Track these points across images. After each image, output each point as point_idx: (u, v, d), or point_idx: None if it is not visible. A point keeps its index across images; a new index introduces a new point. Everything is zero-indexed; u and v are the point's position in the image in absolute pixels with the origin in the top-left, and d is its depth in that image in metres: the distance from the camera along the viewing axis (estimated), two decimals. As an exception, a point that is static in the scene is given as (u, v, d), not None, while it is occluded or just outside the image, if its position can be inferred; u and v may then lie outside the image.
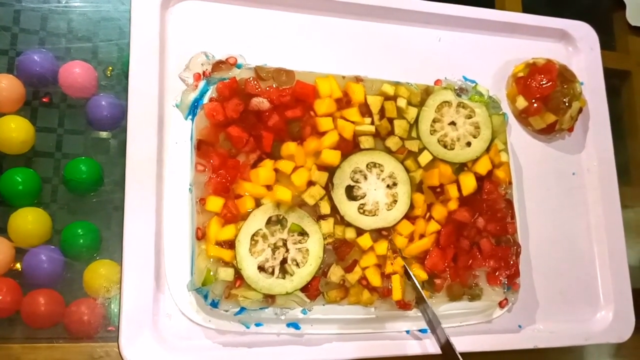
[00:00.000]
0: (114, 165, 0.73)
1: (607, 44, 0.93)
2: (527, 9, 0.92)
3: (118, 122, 0.74)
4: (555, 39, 0.89)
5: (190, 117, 0.68)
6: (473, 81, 0.78)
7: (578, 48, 0.89)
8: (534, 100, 0.80)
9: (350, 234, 0.66)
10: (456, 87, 0.75)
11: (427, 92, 0.73)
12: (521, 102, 0.81)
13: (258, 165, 0.65)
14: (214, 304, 0.61)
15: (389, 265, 0.66)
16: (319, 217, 0.65)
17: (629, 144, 0.97)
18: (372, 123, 0.69)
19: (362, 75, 0.71)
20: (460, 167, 0.72)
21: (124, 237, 0.63)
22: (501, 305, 0.72)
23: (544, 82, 0.80)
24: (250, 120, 0.65)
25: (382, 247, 0.66)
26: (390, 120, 0.70)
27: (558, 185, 0.83)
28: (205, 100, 0.66)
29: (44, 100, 0.74)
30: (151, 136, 0.66)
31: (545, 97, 0.80)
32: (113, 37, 0.77)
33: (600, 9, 1.04)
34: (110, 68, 0.76)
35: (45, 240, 0.69)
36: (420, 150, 0.70)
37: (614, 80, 0.95)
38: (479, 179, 0.71)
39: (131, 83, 0.67)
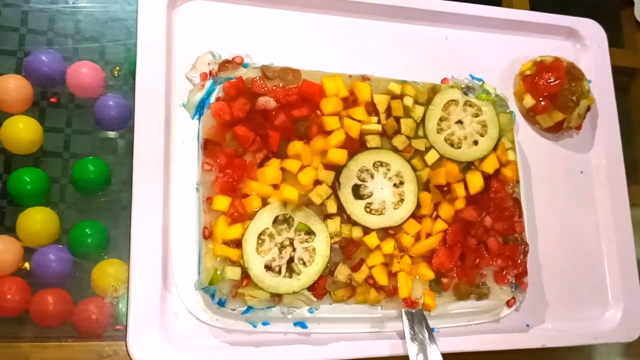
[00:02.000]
0: (121, 164, 0.73)
1: (615, 41, 0.92)
2: (535, 6, 0.92)
3: (125, 122, 0.75)
4: (563, 37, 0.88)
5: (197, 116, 0.68)
6: (480, 79, 0.77)
7: (586, 46, 0.88)
8: (541, 99, 0.80)
9: (357, 233, 0.65)
10: (463, 86, 0.75)
11: (433, 90, 0.73)
12: (529, 100, 0.81)
13: (265, 164, 0.65)
14: (221, 303, 0.61)
15: (396, 263, 0.66)
16: (326, 216, 0.65)
17: (637, 142, 0.96)
18: (379, 122, 0.69)
19: (368, 74, 0.70)
20: (467, 166, 0.71)
21: (132, 237, 0.63)
22: (509, 304, 0.72)
23: (551, 80, 0.80)
24: (257, 120, 0.65)
25: (388, 246, 0.66)
26: (397, 119, 0.70)
27: (566, 184, 0.82)
28: (212, 99, 0.66)
29: (51, 100, 0.74)
30: (158, 136, 0.66)
31: (553, 95, 0.79)
32: (120, 37, 0.77)
33: (608, 6, 1.03)
34: (118, 68, 0.77)
35: (54, 239, 0.69)
36: (427, 149, 0.70)
37: (623, 78, 0.94)
38: (486, 177, 0.71)
39: (138, 83, 0.67)
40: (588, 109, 0.82)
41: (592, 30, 0.89)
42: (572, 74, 0.81)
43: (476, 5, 0.83)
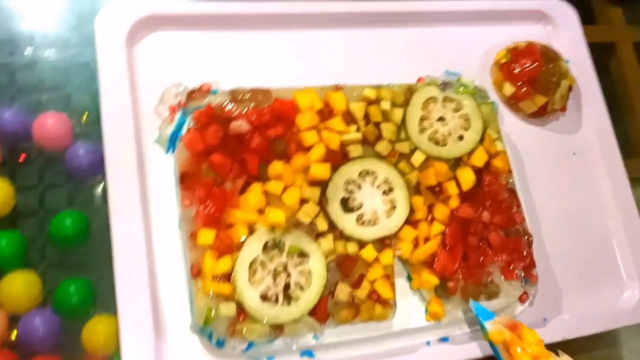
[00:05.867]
0: (100, 213, 0.70)
1: (587, 18, 0.91)
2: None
3: (99, 169, 0.71)
4: (533, 21, 0.87)
5: (170, 150, 0.65)
6: (456, 74, 0.76)
7: (558, 26, 0.87)
8: (520, 84, 0.78)
9: (352, 247, 0.62)
10: (440, 82, 0.73)
11: (410, 90, 0.71)
12: (508, 88, 0.79)
13: (246, 190, 0.62)
14: (220, 344, 0.57)
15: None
16: (317, 235, 0.62)
17: (625, 115, 0.95)
18: (358, 130, 0.66)
19: (341, 83, 0.68)
20: (456, 163, 0.69)
21: (117, 289, 0.59)
22: (522, 300, 0.68)
23: (528, 65, 0.78)
24: (232, 145, 0.63)
25: (387, 256, 0.63)
26: (377, 125, 0.67)
27: (560, 167, 0.80)
28: (184, 131, 0.64)
29: (20, 157, 0.71)
30: (132, 177, 0.63)
31: (532, 79, 0.78)
32: (84, 82, 0.75)
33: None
34: (86, 114, 0.74)
35: (38, 303, 0.66)
36: (412, 151, 0.68)
37: (601, 54, 0.92)
38: (477, 171, 0.69)
39: (105, 126, 0.65)
40: (570, 89, 0.80)
41: (561, 11, 0.87)
42: (548, 56, 0.79)
43: (441, 1, 0.81)
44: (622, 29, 0.99)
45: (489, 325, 0.62)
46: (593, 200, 0.79)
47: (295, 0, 0.76)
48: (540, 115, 0.80)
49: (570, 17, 0.87)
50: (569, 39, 0.86)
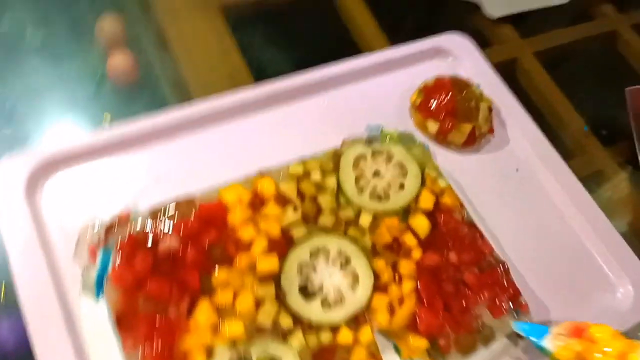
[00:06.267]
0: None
1: (482, 42, 0.92)
2: (394, 40, 0.92)
3: (26, 342, 0.63)
4: (434, 57, 0.88)
5: (100, 295, 0.58)
6: (378, 126, 0.74)
7: (457, 57, 0.88)
8: (442, 117, 0.77)
9: (325, 336, 0.56)
10: (364, 138, 0.71)
11: (337, 155, 0.68)
12: (432, 126, 0.77)
13: (193, 310, 0.55)
14: None
15: None
16: (285, 335, 0.55)
17: (549, 120, 0.95)
18: (296, 210, 0.62)
19: (265, 169, 0.65)
20: (406, 212, 0.65)
21: None
22: (519, 334, 0.63)
23: (443, 98, 0.77)
24: (166, 267, 0.57)
25: (366, 333, 0.57)
26: (313, 199, 0.63)
27: (508, 188, 0.77)
28: (110, 270, 0.57)
29: None
30: (63, 339, 0.55)
31: (451, 110, 0.77)
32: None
33: (457, 16, 1.06)
34: (2, 285, 0.66)
35: None
36: (358, 214, 0.64)
37: (507, 71, 0.93)
38: (430, 215, 0.65)
39: (20, 293, 0.57)
40: (490, 109, 0.80)
41: (456, 42, 0.89)
42: (458, 85, 0.80)
43: (338, 63, 0.81)
44: (518, 43, 1.02)
45: (549, 343, 0.52)
46: (551, 209, 0.77)
47: (189, 103, 0.73)
48: (471, 143, 0.79)
49: (467, 45, 0.89)
50: (472, 65, 0.87)
